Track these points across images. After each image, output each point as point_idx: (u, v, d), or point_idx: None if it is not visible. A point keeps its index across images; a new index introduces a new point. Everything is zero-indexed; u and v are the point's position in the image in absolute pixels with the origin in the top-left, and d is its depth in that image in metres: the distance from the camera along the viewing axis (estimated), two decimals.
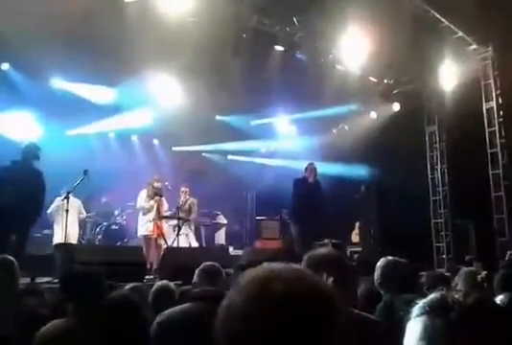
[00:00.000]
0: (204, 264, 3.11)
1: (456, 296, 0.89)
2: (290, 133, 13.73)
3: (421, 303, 0.91)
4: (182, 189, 9.70)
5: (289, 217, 8.91)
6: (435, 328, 0.86)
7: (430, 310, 0.88)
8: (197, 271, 3.06)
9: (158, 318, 2.66)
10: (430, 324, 0.86)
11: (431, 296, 0.91)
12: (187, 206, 9.50)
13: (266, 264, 0.88)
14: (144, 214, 9.01)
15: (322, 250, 2.25)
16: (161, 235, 8.66)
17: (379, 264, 3.36)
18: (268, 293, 0.79)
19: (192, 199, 9.63)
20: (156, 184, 9.01)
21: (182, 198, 9.59)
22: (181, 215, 9.17)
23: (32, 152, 6.54)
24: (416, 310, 0.91)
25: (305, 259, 2.15)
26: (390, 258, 3.39)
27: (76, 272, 2.86)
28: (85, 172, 7.19)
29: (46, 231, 9.09)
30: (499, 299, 2.24)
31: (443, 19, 9.89)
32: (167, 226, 9.18)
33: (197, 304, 2.71)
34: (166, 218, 9.05)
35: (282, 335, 0.76)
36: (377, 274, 3.33)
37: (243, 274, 0.87)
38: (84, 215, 9.26)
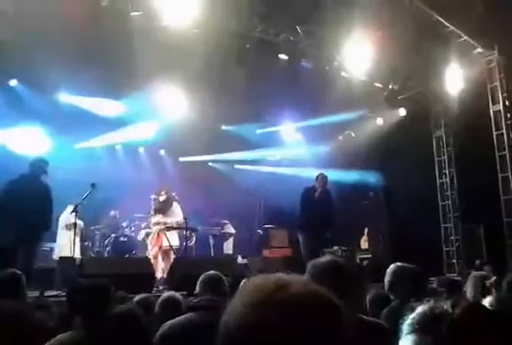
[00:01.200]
0: (204, 274, 3.08)
1: (445, 307, 0.86)
2: (297, 141, 13.72)
3: (409, 319, 0.89)
4: (152, 197, 9.35)
5: (296, 226, 8.84)
6: None
7: (420, 327, 0.86)
8: (198, 282, 3.03)
9: (160, 330, 2.66)
10: (421, 343, 0.84)
11: (419, 311, 0.89)
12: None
13: (271, 274, 0.88)
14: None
15: (326, 258, 2.24)
16: (161, 247, 8.69)
17: (388, 270, 3.36)
18: (271, 301, 0.79)
19: None
20: (161, 197, 9.02)
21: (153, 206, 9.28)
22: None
23: (40, 167, 6.57)
24: (406, 327, 0.88)
25: (309, 267, 2.14)
26: (399, 264, 3.39)
27: (82, 285, 2.86)
28: (93, 186, 7.21)
29: (53, 244, 9.13)
30: (487, 301, 2.20)
31: (447, 23, 9.90)
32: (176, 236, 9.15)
33: (197, 314, 2.70)
34: (173, 228, 9.04)
35: (283, 343, 0.76)
36: (386, 280, 3.34)
37: (246, 282, 0.87)
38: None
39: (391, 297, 3.30)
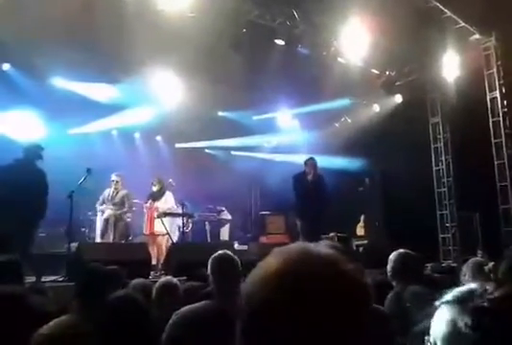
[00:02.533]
0: (214, 255, 2.99)
1: (489, 288, 0.86)
2: (293, 128, 13.70)
3: (454, 291, 0.89)
4: (113, 178, 8.67)
5: (295, 213, 8.80)
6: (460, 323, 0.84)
7: (460, 301, 0.86)
8: (209, 261, 2.96)
9: (174, 317, 2.64)
10: (459, 315, 0.84)
11: (465, 288, 0.89)
12: (118, 199, 8.64)
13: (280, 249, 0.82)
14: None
15: (323, 243, 2.24)
16: (152, 233, 8.75)
17: (392, 256, 3.41)
18: (284, 280, 0.75)
19: (124, 191, 8.76)
20: (154, 187, 9.07)
21: (112, 189, 8.68)
22: (112, 208, 8.53)
23: (35, 152, 6.50)
24: (446, 297, 0.89)
25: None
26: (402, 250, 3.44)
27: (97, 270, 2.86)
28: (88, 171, 7.18)
29: (50, 230, 9.10)
30: None
31: (445, 9, 9.82)
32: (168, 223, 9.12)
33: (210, 302, 2.70)
34: (171, 214, 9.03)
35: (305, 322, 0.72)
36: (390, 266, 3.38)
37: (260, 262, 0.82)
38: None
39: (394, 283, 3.33)
